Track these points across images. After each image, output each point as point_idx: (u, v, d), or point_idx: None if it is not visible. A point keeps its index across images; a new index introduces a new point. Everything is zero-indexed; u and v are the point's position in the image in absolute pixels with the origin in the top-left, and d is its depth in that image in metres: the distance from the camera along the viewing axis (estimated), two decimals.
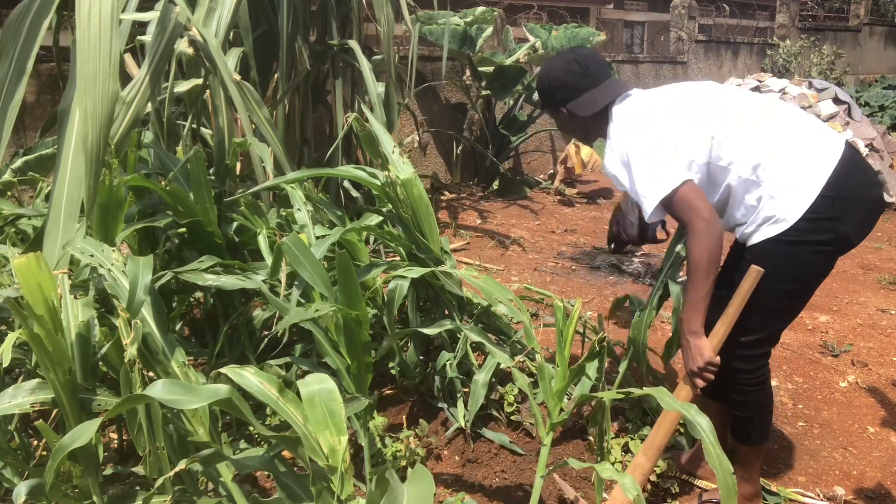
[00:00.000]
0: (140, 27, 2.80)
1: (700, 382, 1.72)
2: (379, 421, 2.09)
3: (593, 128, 1.92)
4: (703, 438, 1.40)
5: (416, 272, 1.99)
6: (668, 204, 1.66)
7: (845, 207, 1.63)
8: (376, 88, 3.66)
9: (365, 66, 3.67)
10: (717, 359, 1.70)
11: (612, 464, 2.05)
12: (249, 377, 1.38)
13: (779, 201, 1.63)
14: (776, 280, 1.67)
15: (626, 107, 1.82)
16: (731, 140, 1.67)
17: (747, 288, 1.68)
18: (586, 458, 2.10)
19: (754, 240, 1.69)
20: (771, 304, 1.72)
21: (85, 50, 1.68)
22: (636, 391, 1.58)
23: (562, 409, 1.72)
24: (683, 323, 1.72)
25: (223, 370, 1.39)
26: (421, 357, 2.38)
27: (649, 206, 1.67)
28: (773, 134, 1.68)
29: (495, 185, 6.40)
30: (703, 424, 1.42)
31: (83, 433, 1.29)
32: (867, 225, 1.73)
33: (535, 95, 1.95)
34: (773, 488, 2.09)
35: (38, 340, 1.34)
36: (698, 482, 2.08)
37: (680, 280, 2.17)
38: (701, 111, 1.73)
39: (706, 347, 1.69)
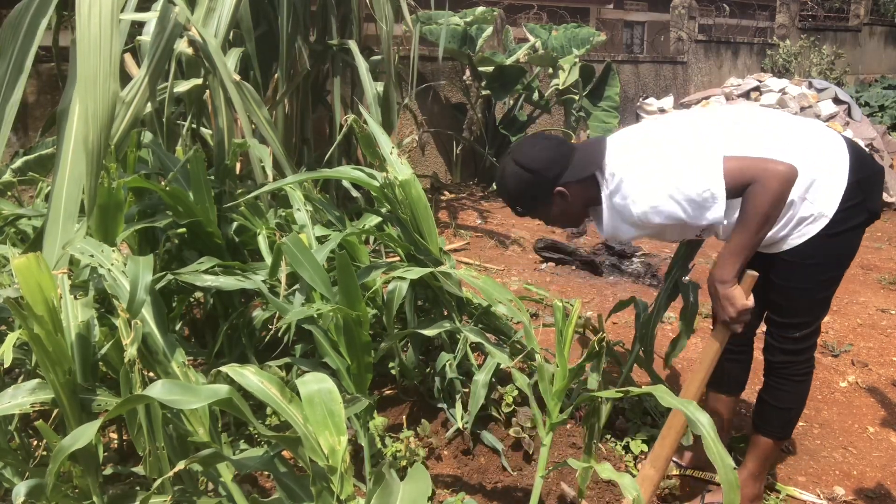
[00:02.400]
0: (140, 27, 2.80)
1: (738, 328, 1.70)
2: (379, 421, 2.09)
3: (591, 195, 1.77)
4: (703, 434, 1.40)
5: (415, 273, 1.99)
6: (729, 183, 1.56)
7: (867, 187, 1.68)
8: (373, 88, 3.66)
9: (362, 66, 3.67)
10: (752, 302, 1.67)
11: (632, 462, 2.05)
12: (250, 376, 1.38)
13: (811, 200, 1.65)
14: (822, 272, 1.71)
15: (624, 153, 1.72)
16: (750, 151, 1.64)
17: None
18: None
19: (794, 242, 1.69)
20: (819, 296, 1.75)
21: (85, 50, 1.68)
22: (635, 390, 1.58)
23: (561, 410, 1.72)
24: (716, 268, 1.65)
25: (223, 369, 1.39)
26: (421, 357, 2.38)
27: (721, 197, 1.56)
28: (784, 138, 1.68)
29: (495, 185, 6.40)
30: (703, 421, 1.41)
31: (83, 435, 1.29)
32: (881, 194, 1.79)
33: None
34: (766, 482, 2.09)
35: (38, 340, 1.34)
36: (703, 474, 2.09)
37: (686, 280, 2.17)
38: (706, 128, 1.71)
39: (737, 295, 1.65)
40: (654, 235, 1.79)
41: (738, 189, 1.57)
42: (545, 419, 1.75)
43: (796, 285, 1.74)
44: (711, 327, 1.85)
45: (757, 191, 1.54)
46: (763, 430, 1.90)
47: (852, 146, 1.72)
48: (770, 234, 1.66)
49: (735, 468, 1.37)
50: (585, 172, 1.74)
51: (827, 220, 1.65)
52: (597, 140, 1.80)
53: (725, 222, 1.63)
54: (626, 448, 2.17)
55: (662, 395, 1.49)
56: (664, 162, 1.64)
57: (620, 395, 1.60)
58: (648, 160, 1.67)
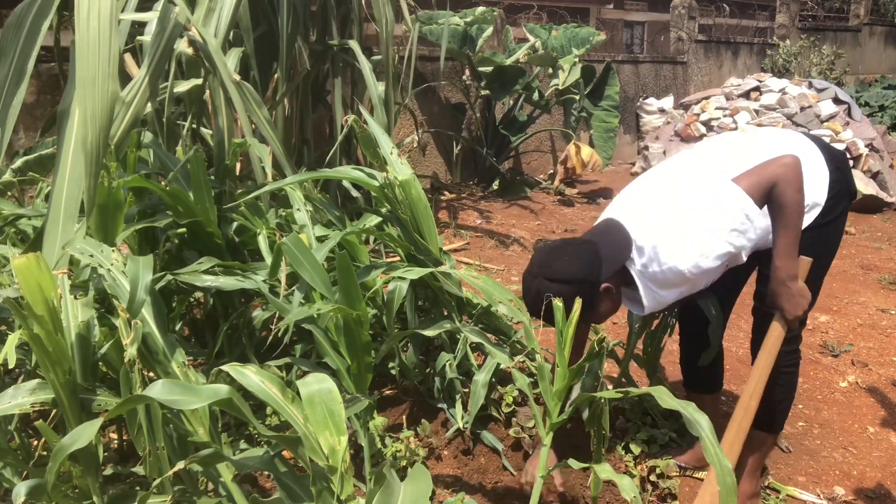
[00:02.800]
0: (140, 27, 2.80)
1: (798, 322, 1.75)
2: (379, 421, 2.09)
3: (625, 279, 1.79)
4: (701, 436, 1.40)
5: (415, 273, 1.99)
6: (755, 199, 1.65)
7: (844, 170, 1.80)
8: (376, 89, 3.66)
9: (365, 66, 3.67)
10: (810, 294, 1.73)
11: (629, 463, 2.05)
12: (251, 375, 1.39)
13: (804, 193, 1.71)
14: (816, 261, 1.75)
15: (644, 224, 1.74)
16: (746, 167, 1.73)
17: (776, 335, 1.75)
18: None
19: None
20: (812, 286, 1.77)
21: (84, 50, 1.68)
22: (634, 390, 1.58)
23: (561, 410, 1.72)
24: (780, 270, 1.69)
25: (224, 368, 1.39)
26: (420, 357, 2.38)
27: (756, 219, 1.65)
28: (769, 147, 1.77)
29: (495, 185, 6.40)
30: (702, 422, 1.42)
31: (83, 435, 1.29)
32: (852, 175, 1.88)
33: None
34: (768, 482, 2.09)
35: (38, 341, 1.34)
36: (700, 474, 2.09)
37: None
38: (701, 167, 1.80)
39: (805, 287, 1.71)
40: (692, 287, 1.79)
41: (764, 198, 1.65)
42: (545, 419, 1.75)
43: None
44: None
45: (783, 189, 1.62)
46: (756, 425, 1.90)
47: (816, 139, 1.83)
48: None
49: (732, 470, 1.38)
50: (621, 261, 1.74)
51: (820, 209, 1.75)
52: (612, 223, 1.79)
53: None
54: (626, 448, 2.17)
55: (662, 396, 1.49)
56: (691, 212, 1.69)
57: (620, 395, 1.60)
58: (672, 218, 1.70)
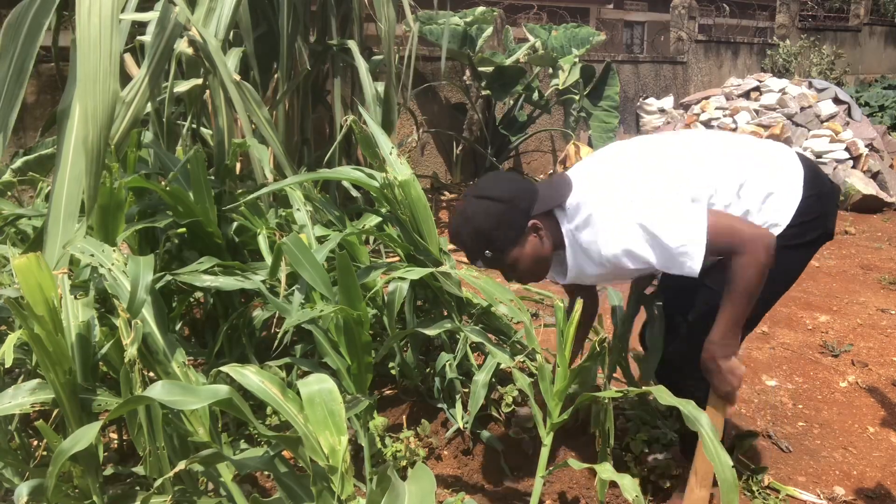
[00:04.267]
0: (140, 27, 2.80)
1: (734, 400, 1.65)
2: (379, 421, 2.09)
3: (556, 234, 1.65)
4: (700, 433, 1.40)
5: (416, 273, 1.99)
6: (711, 243, 1.48)
7: (826, 203, 1.66)
8: (372, 88, 3.66)
9: (361, 65, 3.67)
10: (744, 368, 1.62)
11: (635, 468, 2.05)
12: (251, 376, 1.39)
13: (765, 211, 1.61)
14: (771, 285, 1.56)
15: (592, 187, 1.60)
16: (709, 170, 1.61)
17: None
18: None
19: None
20: (757, 311, 1.62)
21: (85, 48, 1.68)
22: (634, 390, 1.58)
23: (562, 410, 1.72)
24: (713, 347, 1.56)
25: (224, 368, 1.39)
26: (420, 357, 2.38)
27: (698, 255, 1.47)
28: (743, 155, 1.65)
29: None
30: (702, 420, 1.41)
31: (83, 437, 1.29)
32: (836, 214, 1.75)
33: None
34: (768, 482, 2.09)
35: (38, 341, 1.34)
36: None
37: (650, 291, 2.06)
38: (678, 163, 1.62)
39: (738, 365, 1.59)
40: (615, 277, 1.71)
41: (721, 250, 1.50)
42: (546, 419, 1.75)
43: None
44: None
45: (748, 263, 1.47)
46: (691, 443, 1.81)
47: (807, 162, 1.68)
48: None
49: (734, 466, 1.37)
50: (552, 203, 1.62)
51: (780, 229, 1.59)
52: (562, 176, 1.68)
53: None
54: (626, 448, 2.17)
55: (661, 394, 1.49)
56: (640, 203, 1.53)
57: (620, 394, 1.60)
58: (621, 198, 1.55)
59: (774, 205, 1.60)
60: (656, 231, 1.49)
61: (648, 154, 1.68)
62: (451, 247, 1.99)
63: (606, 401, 1.69)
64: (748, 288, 1.49)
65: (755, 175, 1.61)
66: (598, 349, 1.67)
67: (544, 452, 1.67)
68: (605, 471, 1.45)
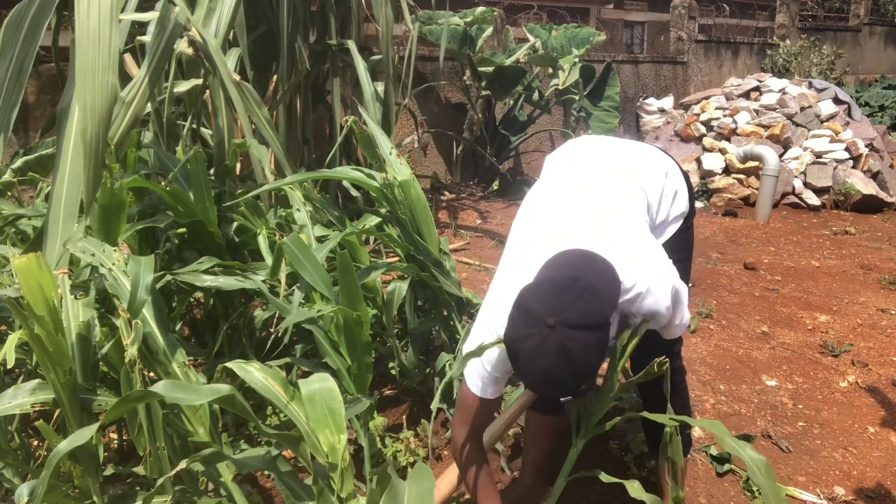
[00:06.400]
0: (140, 27, 2.80)
1: None
2: (379, 421, 2.09)
3: None
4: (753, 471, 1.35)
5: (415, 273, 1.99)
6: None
7: (688, 182, 1.80)
8: (371, 88, 3.66)
9: (360, 65, 3.67)
10: None
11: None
12: (254, 372, 1.39)
13: (676, 206, 1.73)
14: (689, 265, 1.81)
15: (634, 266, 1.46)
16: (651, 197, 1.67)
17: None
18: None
19: (669, 233, 1.73)
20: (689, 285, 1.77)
21: (84, 44, 1.68)
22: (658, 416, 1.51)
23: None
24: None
25: (228, 364, 1.39)
26: (420, 357, 2.38)
27: (689, 318, 1.62)
28: (646, 170, 1.71)
29: (495, 185, 6.40)
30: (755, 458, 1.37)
31: (78, 437, 1.28)
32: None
33: None
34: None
35: (38, 341, 1.34)
36: None
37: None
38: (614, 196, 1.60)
39: None
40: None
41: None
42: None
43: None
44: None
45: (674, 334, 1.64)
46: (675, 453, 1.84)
47: (668, 155, 1.82)
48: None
49: (763, 459, 1.35)
50: (616, 299, 1.42)
51: (686, 214, 1.75)
52: (588, 254, 1.42)
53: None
54: (626, 448, 2.17)
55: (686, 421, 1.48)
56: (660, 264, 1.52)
57: (647, 415, 1.56)
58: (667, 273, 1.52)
59: (679, 200, 1.74)
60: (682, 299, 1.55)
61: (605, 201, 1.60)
62: (453, 247, 1.97)
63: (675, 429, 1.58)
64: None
65: (666, 182, 1.71)
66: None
67: (573, 454, 1.59)
68: (635, 489, 1.42)
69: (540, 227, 1.55)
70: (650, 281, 1.44)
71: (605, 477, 1.50)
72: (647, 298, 1.44)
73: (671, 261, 1.56)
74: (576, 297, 1.26)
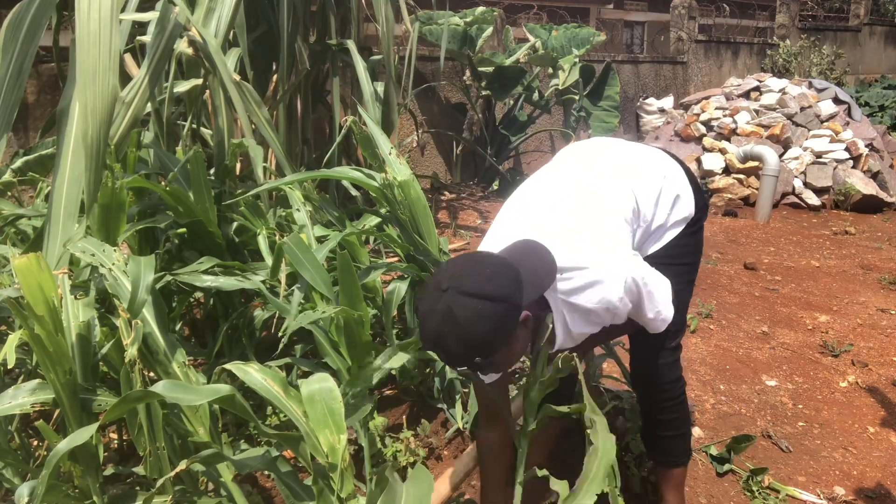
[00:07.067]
0: (140, 27, 2.80)
1: None
2: (379, 421, 2.09)
3: (539, 311, 1.47)
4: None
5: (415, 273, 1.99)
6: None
7: (697, 185, 1.77)
8: (370, 88, 3.66)
9: (360, 65, 3.67)
10: None
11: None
12: (254, 373, 1.39)
13: (676, 211, 1.70)
14: (694, 270, 1.78)
15: (568, 246, 1.47)
16: (641, 199, 1.65)
17: None
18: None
19: (668, 238, 1.71)
20: (688, 295, 1.79)
21: (84, 44, 1.68)
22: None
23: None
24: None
25: (227, 366, 1.39)
26: (420, 358, 2.38)
27: (671, 314, 1.61)
28: (639, 170, 1.70)
29: (495, 185, 6.40)
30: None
31: (80, 437, 1.28)
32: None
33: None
34: (768, 483, 2.09)
35: (38, 341, 1.34)
36: None
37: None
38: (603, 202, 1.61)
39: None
40: (608, 335, 1.72)
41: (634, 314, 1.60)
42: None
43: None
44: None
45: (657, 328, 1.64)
46: (670, 462, 1.86)
47: (677, 158, 1.80)
48: (655, 236, 1.71)
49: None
50: (543, 288, 1.40)
51: (692, 218, 1.72)
52: (531, 244, 1.44)
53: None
54: (626, 448, 2.17)
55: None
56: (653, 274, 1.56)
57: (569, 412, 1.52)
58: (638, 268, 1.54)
59: (680, 204, 1.71)
60: (656, 291, 1.56)
61: (594, 190, 1.63)
62: (453, 247, 1.97)
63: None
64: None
65: (664, 185, 1.69)
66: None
67: (520, 456, 1.54)
68: (554, 483, 1.30)
69: (508, 216, 1.67)
70: (600, 273, 1.46)
71: (541, 473, 1.47)
72: (596, 288, 1.46)
73: (670, 264, 1.61)
74: (477, 269, 1.32)
